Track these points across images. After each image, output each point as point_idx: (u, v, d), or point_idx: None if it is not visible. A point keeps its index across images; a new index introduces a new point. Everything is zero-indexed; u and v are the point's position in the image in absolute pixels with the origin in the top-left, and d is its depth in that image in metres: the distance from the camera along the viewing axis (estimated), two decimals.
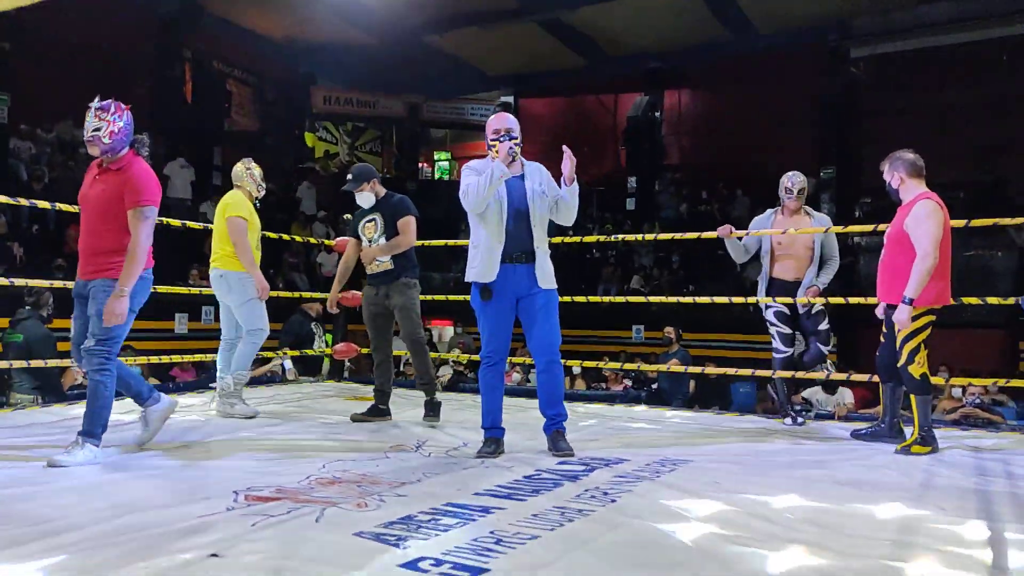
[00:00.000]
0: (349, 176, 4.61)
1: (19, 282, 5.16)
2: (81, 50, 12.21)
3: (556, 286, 3.58)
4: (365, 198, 4.56)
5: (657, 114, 16.21)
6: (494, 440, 3.52)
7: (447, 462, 3.34)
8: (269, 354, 8.08)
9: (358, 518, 2.37)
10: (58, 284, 5.16)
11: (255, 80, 16.43)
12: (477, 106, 17.85)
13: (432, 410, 4.45)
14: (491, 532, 2.23)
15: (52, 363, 5.38)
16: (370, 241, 4.53)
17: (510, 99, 17.43)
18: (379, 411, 4.53)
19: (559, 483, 2.90)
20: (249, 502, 2.56)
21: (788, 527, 2.35)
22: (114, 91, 12.08)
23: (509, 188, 3.50)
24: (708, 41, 14.59)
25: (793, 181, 4.62)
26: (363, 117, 17.94)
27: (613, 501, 2.64)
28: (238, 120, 15.90)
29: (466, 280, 3.60)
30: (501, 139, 3.47)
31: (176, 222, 5.76)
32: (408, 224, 4.47)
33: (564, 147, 3.47)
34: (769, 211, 4.78)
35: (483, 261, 3.49)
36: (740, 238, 4.79)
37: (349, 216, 5.12)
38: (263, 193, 4.80)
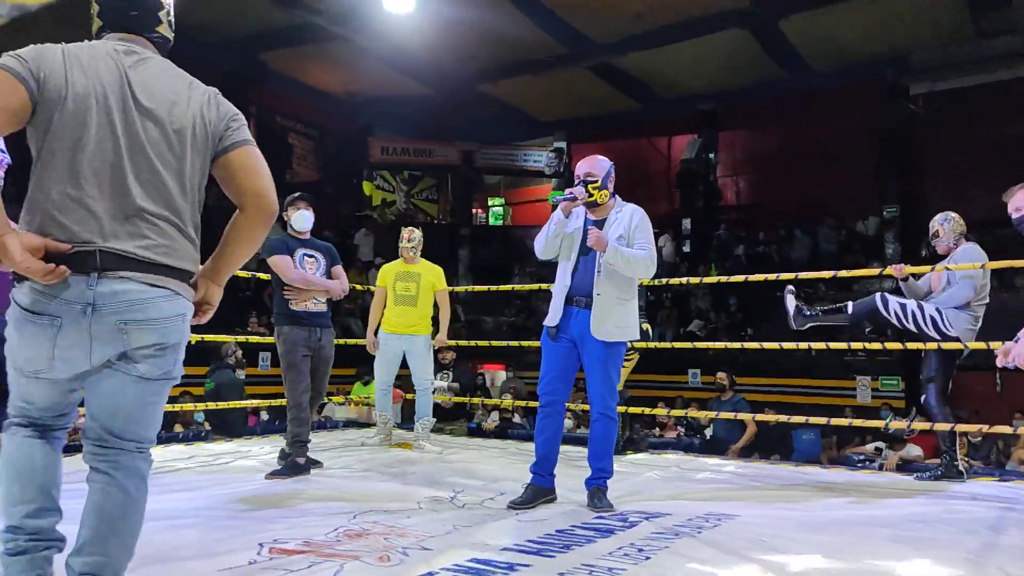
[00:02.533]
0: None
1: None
2: None
3: (619, 339, 3.43)
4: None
5: (711, 155, 16.05)
6: (531, 487, 3.42)
7: (481, 513, 3.24)
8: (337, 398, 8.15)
9: (377, 573, 2.30)
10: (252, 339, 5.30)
11: (315, 133, 16.97)
12: (530, 152, 18.01)
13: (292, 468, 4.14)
14: None
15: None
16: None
17: (563, 144, 17.55)
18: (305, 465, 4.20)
19: (592, 539, 2.77)
20: (272, 555, 2.52)
21: None
22: None
23: (586, 232, 3.46)
24: (762, 80, 14.47)
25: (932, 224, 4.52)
26: (419, 165, 18.28)
27: (647, 558, 2.50)
28: (299, 171, 16.40)
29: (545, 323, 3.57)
30: (578, 183, 3.47)
31: (245, 273, 5.84)
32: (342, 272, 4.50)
33: (591, 229, 3.41)
34: None
35: (554, 303, 3.50)
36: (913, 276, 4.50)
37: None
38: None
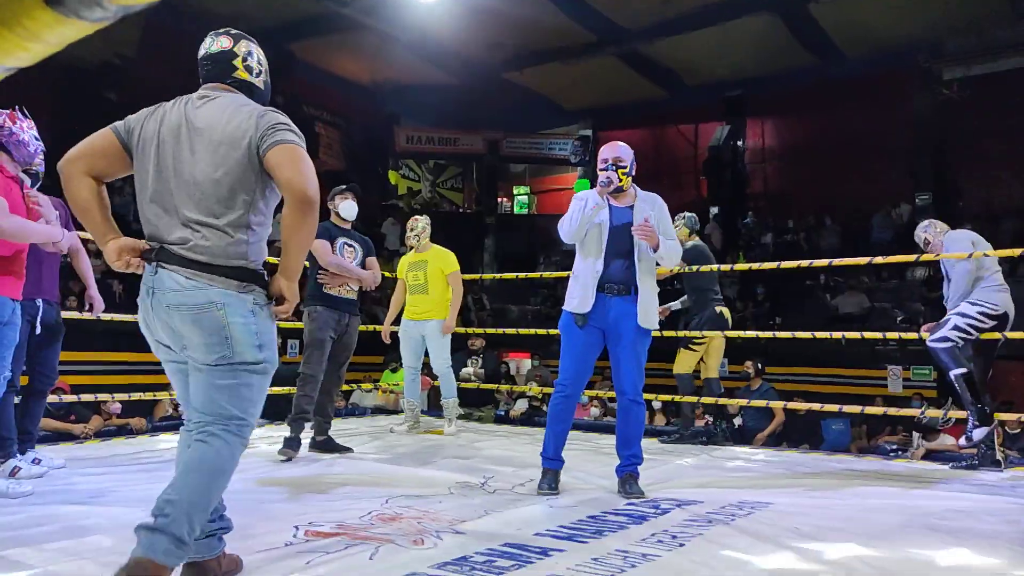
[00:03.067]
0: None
1: (117, 318, 5.38)
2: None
3: (655, 326, 3.47)
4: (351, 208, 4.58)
5: (739, 143, 15.87)
6: (551, 472, 3.44)
7: (512, 499, 3.25)
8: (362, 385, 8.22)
9: (412, 557, 2.32)
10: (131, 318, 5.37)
11: (342, 122, 17.04)
12: (556, 140, 17.93)
13: (330, 446, 4.45)
14: None
15: None
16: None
17: (588, 132, 17.45)
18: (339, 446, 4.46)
19: (624, 525, 2.77)
20: (308, 537, 2.55)
21: None
22: None
23: (614, 218, 3.45)
24: (791, 67, 14.25)
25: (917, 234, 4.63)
26: (444, 155, 18.29)
27: (681, 545, 2.49)
28: (326, 161, 16.47)
29: (566, 309, 3.53)
30: (606, 168, 3.45)
31: (274, 259, 5.91)
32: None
33: (640, 224, 3.38)
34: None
35: (581, 291, 3.44)
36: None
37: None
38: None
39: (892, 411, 5.17)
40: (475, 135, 17.76)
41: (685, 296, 5.60)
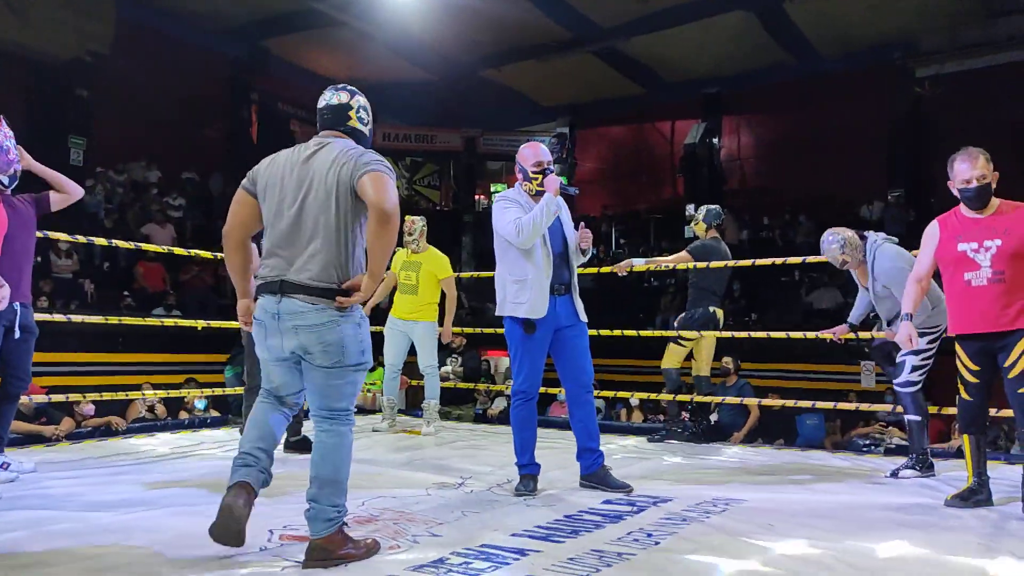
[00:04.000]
0: None
1: (76, 318, 5.32)
2: (156, 95, 12.78)
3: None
4: None
5: (715, 140, 15.95)
6: (531, 477, 3.44)
7: (489, 499, 3.26)
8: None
9: (388, 561, 2.32)
10: (127, 320, 5.32)
11: (317, 119, 16.91)
12: (533, 138, 17.92)
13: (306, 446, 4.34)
14: None
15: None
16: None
17: (566, 129, 17.46)
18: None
19: (600, 525, 2.78)
20: (283, 541, 2.53)
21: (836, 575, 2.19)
22: (188, 134, 12.70)
23: (554, 222, 3.47)
24: (767, 65, 14.35)
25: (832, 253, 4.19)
26: (421, 152, 18.21)
27: (656, 544, 2.51)
28: None
29: (508, 315, 3.48)
30: (546, 171, 3.43)
31: None
32: None
33: (582, 226, 3.54)
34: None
35: (534, 296, 3.39)
36: None
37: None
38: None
39: (863, 406, 5.23)
40: (452, 132, 17.71)
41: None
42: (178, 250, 7.21)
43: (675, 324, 5.52)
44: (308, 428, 4.48)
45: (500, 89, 16.41)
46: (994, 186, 3.21)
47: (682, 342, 5.35)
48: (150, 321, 6.46)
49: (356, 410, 2.59)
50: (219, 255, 7.31)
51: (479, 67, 15.36)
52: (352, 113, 2.59)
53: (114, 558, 2.31)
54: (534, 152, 3.51)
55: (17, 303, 3.51)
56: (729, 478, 3.83)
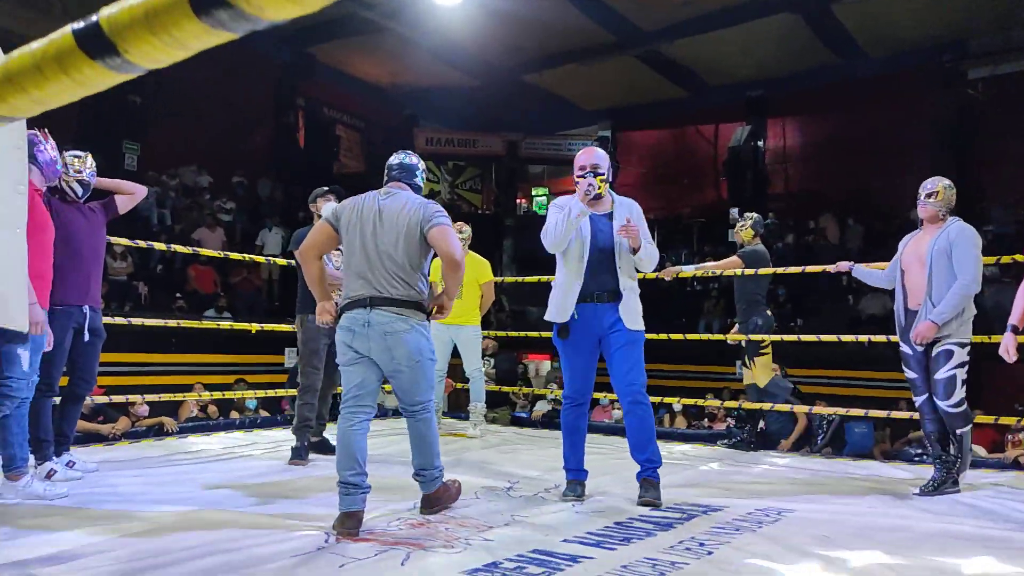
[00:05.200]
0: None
1: (136, 321, 5.47)
2: (206, 101, 13.08)
3: (643, 327, 3.47)
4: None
5: (759, 143, 15.76)
6: (577, 483, 3.46)
7: (537, 504, 3.28)
8: None
9: (443, 563, 2.35)
10: (184, 323, 5.44)
11: (362, 124, 17.13)
12: (575, 141, 17.87)
13: (325, 447, 4.50)
14: None
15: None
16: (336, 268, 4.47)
17: (608, 133, 17.41)
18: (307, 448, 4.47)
19: (652, 532, 2.78)
20: (340, 541, 2.59)
21: None
22: (237, 139, 12.90)
23: (594, 226, 3.43)
24: (813, 67, 14.13)
25: (925, 185, 3.77)
26: (463, 156, 18.31)
27: (709, 553, 2.51)
28: (346, 163, 16.58)
29: (544, 319, 3.56)
30: (585, 175, 3.41)
31: (267, 260, 6.01)
32: None
33: (623, 225, 3.39)
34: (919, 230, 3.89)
35: (559, 300, 3.44)
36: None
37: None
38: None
39: (902, 415, 5.13)
40: (494, 137, 17.78)
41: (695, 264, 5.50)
42: (233, 255, 7.37)
43: (745, 340, 5.34)
44: (329, 431, 4.59)
45: (542, 93, 16.43)
46: None
47: (763, 351, 5.30)
48: (205, 324, 6.63)
49: (398, 412, 3.04)
50: (271, 259, 7.48)
51: (521, 72, 15.40)
52: (418, 173, 3.26)
53: (176, 554, 2.39)
54: (581, 156, 3.50)
55: (87, 306, 3.65)
56: (780, 488, 3.80)
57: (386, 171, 3.21)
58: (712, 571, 2.33)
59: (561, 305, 3.43)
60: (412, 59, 14.74)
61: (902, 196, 13.58)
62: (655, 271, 3.90)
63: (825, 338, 5.45)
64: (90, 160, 3.72)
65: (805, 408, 5.95)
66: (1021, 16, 11.91)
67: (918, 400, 3.79)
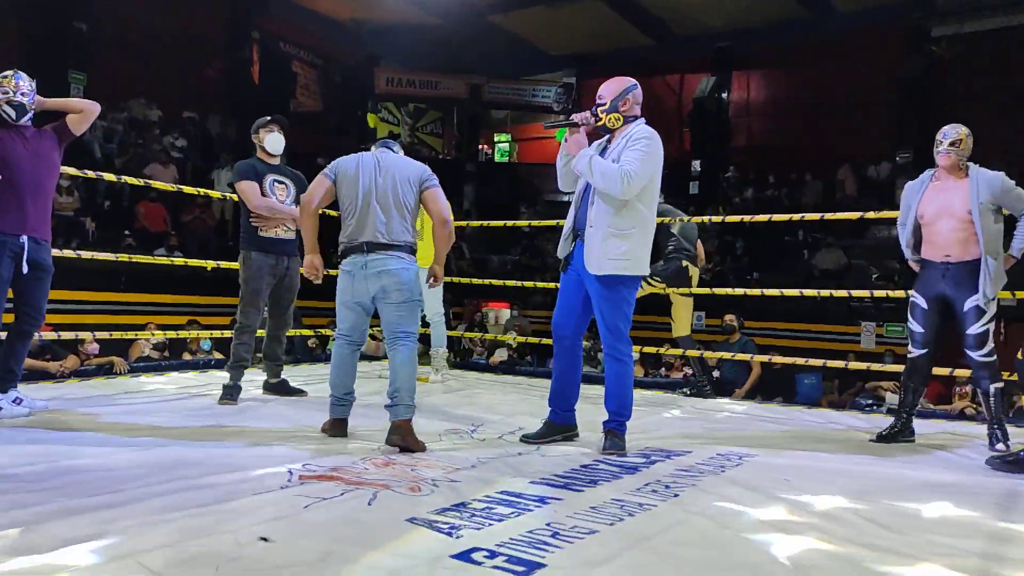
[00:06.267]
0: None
1: (86, 254, 5.26)
2: (155, 31, 12.49)
3: (614, 271, 3.15)
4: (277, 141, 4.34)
5: (724, 95, 15.73)
6: (547, 422, 3.40)
7: (501, 447, 3.26)
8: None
9: (411, 503, 2.32)
10: (139, 259, 5.26)
11: (320, 62, 16.59)
12: (539, 87, 17.63)
13: (284, 389, 4.47)
14: (547, 524, 2.15)
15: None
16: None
17: (572, 80, 17.19)
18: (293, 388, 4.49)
19: (618, 476, 2.79)
20: (303, 481, 2.54)
21: (862, 531, 2.20)
22: (187, 71, 12.40)
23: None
24: (781, 20, 14.09)
25: (945, 132, 3.62)
26: (425, 98, 17.92)
27: (675, 496, 2.52)
28: (303, 101, 16.08)
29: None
30: (589, 109, 3.27)
31: (216, 194, 5.81)
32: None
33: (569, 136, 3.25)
34: (927, 172, 3.75)
35: (563, 234, 3.39)
36: None
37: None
38: None
39: (875, 366, 5.26)
40: (457, 79, 17.42)
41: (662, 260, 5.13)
42: (188, 188, 7.02)
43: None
44: (286, 373, 4.52)
45: (507, 36, 16.10)
46: None
47: (652, 281, 5.00)
48: (160, 260, 6.40)
49: (361, 357, 3.42)
50: (227, 195, 7.27)
51: (486, 12, 15.04)
52: (397, 147, 3.60)
53: (132, 492, 2.31)
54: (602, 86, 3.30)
55: (24, 237, 3.45)
56: (740, 435, 3.85)
57: (375, 144, 3.59)
58: (678, 512, 2.34)
59: (563, 238, 3.39)
60: None
61: (863, 153, 13.80)
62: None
63: (788, 292, 5.48)
64: (22, 80, 3.47)
65: (764, 358, 6.05)
66: None
67: (914, 352, 3.73)
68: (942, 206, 3.58)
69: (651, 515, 2.30)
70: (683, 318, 5.31)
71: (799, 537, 2.12)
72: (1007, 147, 11.88)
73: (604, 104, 3.20)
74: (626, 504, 2.39)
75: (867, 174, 13.68)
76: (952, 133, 3.60)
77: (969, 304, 3.50)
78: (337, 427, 3.36)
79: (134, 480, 2.46)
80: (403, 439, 3.11)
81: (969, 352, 3.54)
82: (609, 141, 3.28)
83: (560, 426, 3.40)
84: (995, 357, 3.54)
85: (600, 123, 3.22)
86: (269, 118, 4.39)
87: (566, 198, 3.51)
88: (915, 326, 3.71)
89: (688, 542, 2.08)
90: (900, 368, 3.94)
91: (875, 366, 6.12)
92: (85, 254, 5.21)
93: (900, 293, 4.70)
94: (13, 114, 3.41)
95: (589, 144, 3.30)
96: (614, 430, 3.27)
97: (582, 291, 3.32)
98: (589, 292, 3.28)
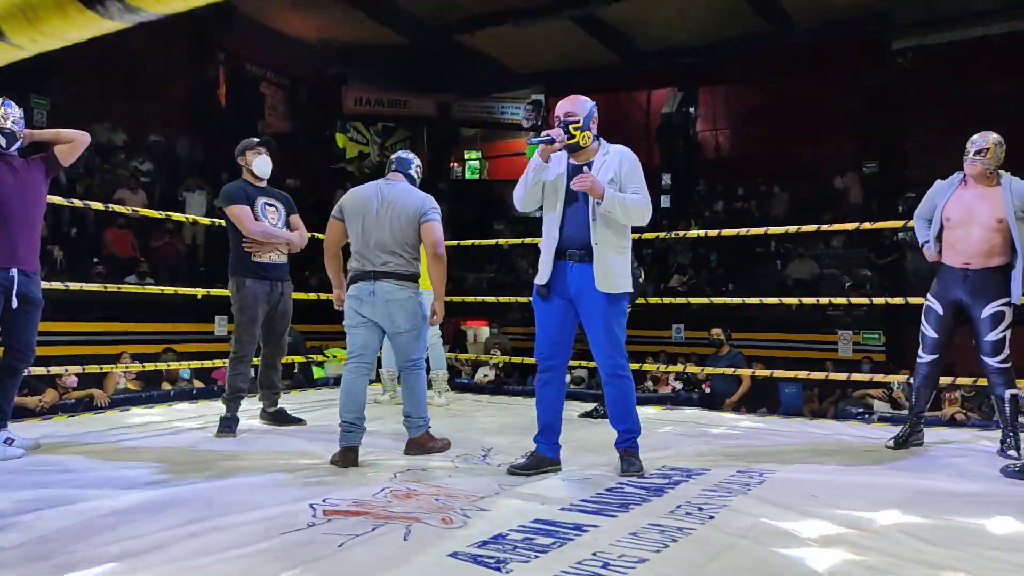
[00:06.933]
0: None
1: (58, 285, 5.08)
2: (118, 54, 12.25)
3: (624, 290, 3.16)
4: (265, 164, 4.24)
5: (691, 109, 15.94)
6: (535, 455, 3.23)
7: (517, 472, 3.19)
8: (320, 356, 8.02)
9: (447, 536, 2.25)
10: (97, 287, 5.12)
11: (287, 82, 16.41)
12: (507, 105, 17.68)
13: (283, 418, 4.37)
14: (594, 554, 2.09)
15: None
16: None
17: (541, 97, 17.26)
18: (292, 417, 4.40)
19: (647, 498, 2.74)
20: (328, 517, 2.45)
21: (910, 548, 2.19)
22: (152, 94, 12.12)
23: (571, 178, 3.14)
24: (745, 34, 14.30)
25: (974, 141, 3.63)
26: (394, 117, 17.83)
27: (711, 518, 2.48)
28: (271, 122, 15.88)
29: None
30: (557, 125, 3.17)
31: (205, 220, 5.74)
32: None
33: (578, 176, 3.11)
34: (956, 175, 3.75)
35: (542, 261, 3.23)
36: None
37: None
38: None
39: (862, 377, 5.30)
40: (425, 98, 17.38)
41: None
42: (151, 212, 6.77)
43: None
44: (283, 401, 4.41)
45: (475, 55, 16.11)
46: None
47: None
48: (165, 290, 6.20)
49: None
50: (192, 218, 7.10)
51: (453, 31, 15.04)
52: (412, 164, 3.80)
53: (152, 538, 2.20)
54: (557, 106, 3.24)
55: (14, 270, 3.33)
56: (751, 449, 3.84)
57: (387, 165, 3.77)
58: (720, 536, 2.30)
59: (543, 265, 3.22)
60: (340, 14, 14.18)
61: (828, 164, 14.06)
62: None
63: (770, 301, 5.52)
64: (11, 108, 3.36)
65: (749, 372, 6.08)
66: None
67: (925, 357, 3.75)
68: (969, 212, 3.61)
69: (694, 540, 2.25)
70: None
71: (852, 556, 2.09)
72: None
73: (577, 122, 3.16)
74: (666, 529, 2.34)
75: (834, 185, 13.93)
76: (981, 142, 3.62)
77: (988, 311, 3.53)
78: (347, 457, 3.29)
79: (149, 523, 2.36)
80: (419, 449, 3.51)
81: (985, 359, 3.58)
82: (576, 158, 3.22)
83: (549, 459, 3.24)
84: (1011, 364, 3.57)
85: (573, 140, 3.16)
86: (256, 140, 4.30)
87: (539, 213, 3.34)
88: (928, 331, 3.74)
89: (741, 567, 2.04)
90: (878, 377, 3.98)
91: (878, 377, 6.16)
92: (74, 285, 5.08)
93: (882, 301, 4.76)
94: (3, 143, 3.30)
95: (546, 160, 3.20)
96: (629, 449, 3.23)
97: (568, 317, 3.23)
98: (585, 313, 3.19)
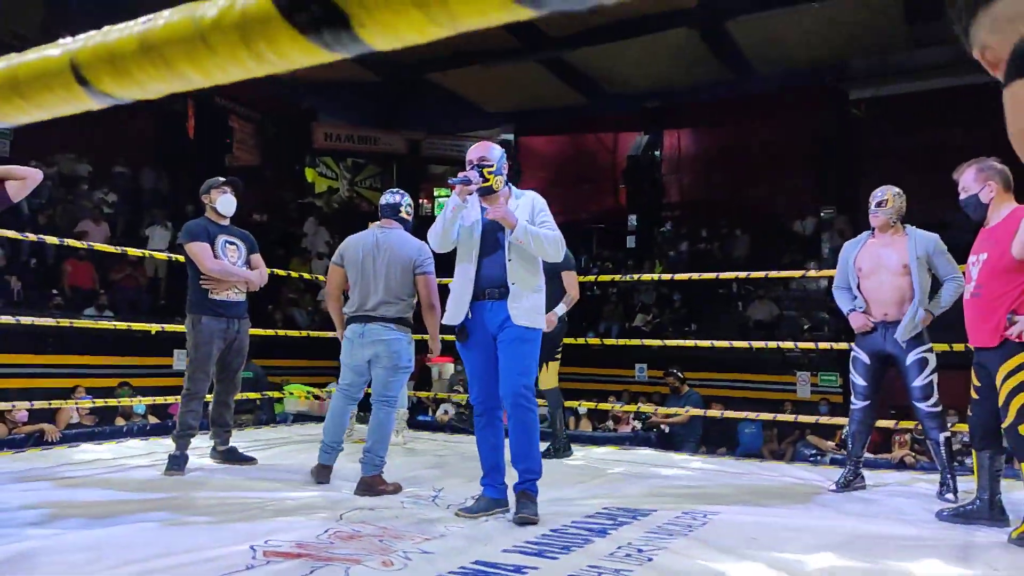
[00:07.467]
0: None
1: (8, 320, 5.01)
2: None
3: (537, 325, 3.20)
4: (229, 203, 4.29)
5: (657, 153, 16.29)
6: (483, 498, 3.21)
7: (467, 513, 3.21)
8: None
9: None
10: (51, 323, 5.04)
11: (256, 116, 16.46)
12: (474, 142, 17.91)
13: (234, 456, 4.33)
14: None
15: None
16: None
17: (510, 136, 17.51)
18: (243, 456, 4.37)
19: (589, 539, 2.78)
20: (268, 558, 2.44)
21: None
22: (117, 125, 12.08)
23: (486, 222, 3.23)
24: (707, 80, 14.73)
25: (875, 194, 3.82)
26: (363, 153, 17.94)
27: (650, 560, 2.52)
28: (239, 156, 15.87)
29: (442, 322, 3.41)
30: (471, 169, 3.21)
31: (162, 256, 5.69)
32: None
33: (494, 207, 3.14)
34: (864, 233, 3.92)
35: (453, 301, 3.26)
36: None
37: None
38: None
39: (824, 420, 5.40)
40: (395, 135, 17.53)
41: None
42: (108, 247, 6.68)
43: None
44: (242, 437, 4.37)
45: (445, 93, 16.34)
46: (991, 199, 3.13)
47: (557, 354, 4.94)
48: (118, 325, 6.12)
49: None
50: (152, 253, 7.06)
51: (424, 70, 15.26)
52: (401, 206, 3.97)
53: None
54: (470, 151, 3.30)
55: None
56: (700, 491, 3.89)
57: (379, 210, 3.96)
58: None
59: (454, 306, 3.25)
60: None
61: (788, 208, 14.42)
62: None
63: (737, 344, 5.63)
64: None
65: (701, 411, 6.15)
66: (900, 41, 12.83)
67: (857, 404, 3.86)
68: (878, 260, 3.78)
69: None
70: (553, 369, 4.99)
71: None
72: (920, 201, 12.61)
73: (491, 166, 3.20)
74: (603, 571, 2.38)
75: (793, 229, 14.26)
76: (880, 195, 3.82)
77: (912, 358, 3.67)
78: (321, 473, 3.82)
79: (89, 564, 2.33)
80: (368, 489, 3.55)
81: (916, 404, 3.69)
82: (488, 202, 3.24)
83: (496, 500, 3.22)
84: (941, 407, 3.69)
85: (487, 183, 3.21)
86: (223, 180, 4.33)
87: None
88: (858, 379, 3.87)
89: None
90: (824, 419, 4.07)
91: (823, 420, 6.26)
92: (25, 320, 4.99)
93: (843, 345, 4.84)
94: None
95: (464, 201, 3.22)
96: (527, 491, 3.14)
97: (490, 355, 3.24)
98: (503, 347, 3.19)
